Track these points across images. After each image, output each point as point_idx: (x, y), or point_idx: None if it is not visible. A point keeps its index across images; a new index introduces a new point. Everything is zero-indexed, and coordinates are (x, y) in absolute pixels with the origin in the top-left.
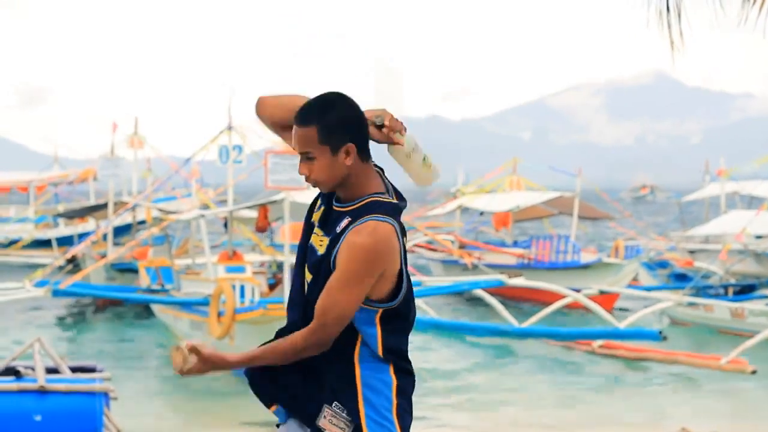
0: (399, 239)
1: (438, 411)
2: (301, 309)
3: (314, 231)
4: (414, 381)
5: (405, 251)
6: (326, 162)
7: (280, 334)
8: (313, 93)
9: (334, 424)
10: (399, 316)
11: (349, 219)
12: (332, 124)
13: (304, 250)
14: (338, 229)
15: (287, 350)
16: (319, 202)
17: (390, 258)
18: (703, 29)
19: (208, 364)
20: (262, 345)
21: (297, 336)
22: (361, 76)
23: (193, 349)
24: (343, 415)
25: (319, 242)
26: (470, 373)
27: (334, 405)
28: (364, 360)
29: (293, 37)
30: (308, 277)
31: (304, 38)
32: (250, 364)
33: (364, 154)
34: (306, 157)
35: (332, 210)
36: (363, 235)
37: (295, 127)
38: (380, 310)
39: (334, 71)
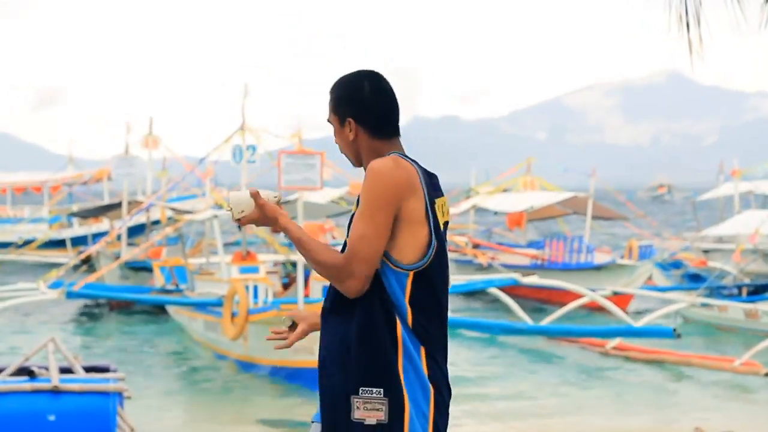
0: (421, 181)
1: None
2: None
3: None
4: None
5: (432, 205)
6: (338, 132)
7: None
8: (313, 93)
9: (369, 409)
10: (431, 287)
11: None
12: (339, 97)
13: None
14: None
15: (320, 253)
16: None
17: (407, 189)
18: (723, 33)
19: (263, 214)
20: (301, 231)
21: (335, 253)
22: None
23: (256, 195)
24: (374, 394)
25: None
26: (484, 375)
27: (361, 391)
28: (405, 342)
29: (293, 37)
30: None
31: (304, 38)
32: (292, 239)
33: (378, 132)
34: (330, 124)
35: None
36: (372, 163)
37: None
38: (411, 273)
39: (333, 72)
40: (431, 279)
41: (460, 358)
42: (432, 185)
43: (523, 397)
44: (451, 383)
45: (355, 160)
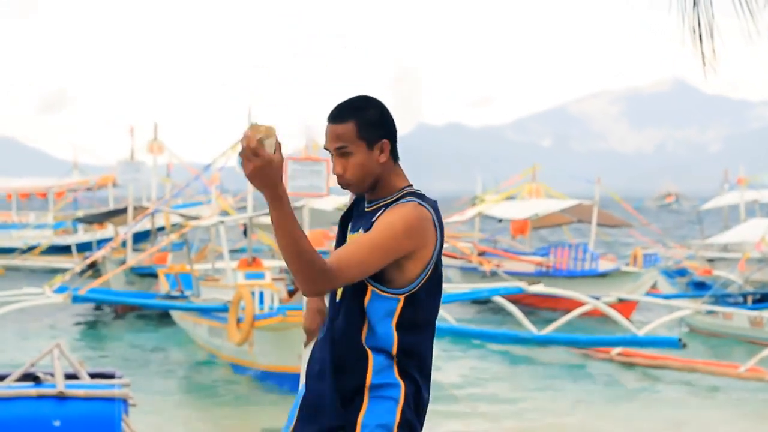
0: (437, 229)
1: (450, 419)
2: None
3: (347, 238)
4: (425, 398)
5: (441, 246)
6: (362, 157)
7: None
8: (312, 93)
9: None
10: (420, 309)
11: (385, 210)
12: (369, 119)
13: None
14: (374, 219)
15: (306, 243)
16: (352, 213)
17: (423, 239)
18: (735, 43)
19: (277, 163)
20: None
21: (317, 255)
22: (362, 77)
23: (279, 147)
24: None
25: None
26: (486, 381)
27: None
28: (377, 357)
29: (293, 37)
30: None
31: (304, 38)
32: (277, 213)
33: (395, 154)
34: (341, 153)
35: (365, 213)
36: (403, 207)
37: (330, 125)
38: (402, 297)
39: (333, 72)
40: (421, 300)
41: (455, 363)
42: (440, 218)
43: (513, 398)
44: (446, 387)
45: (370, 185)
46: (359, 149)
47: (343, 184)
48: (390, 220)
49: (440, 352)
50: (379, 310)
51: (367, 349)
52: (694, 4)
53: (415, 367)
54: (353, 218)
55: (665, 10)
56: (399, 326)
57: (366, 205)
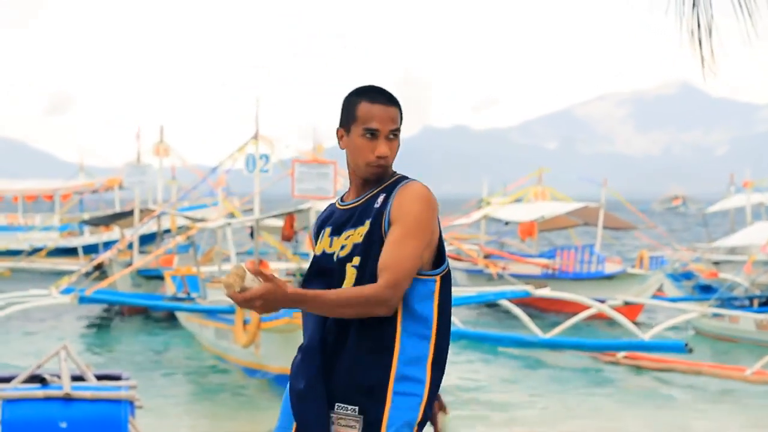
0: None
1: (457, 422)
2: (321, 326)
3: (324, 238)
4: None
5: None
6: (399, 142)
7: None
8: (313, 94)
9: (343, 426)
10: (449, 289)
11: (385, 194)
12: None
13: (319, 263)
14: (377, 205)
15: (347, 300)
16: (316, 234)
17: (436, 217)
18: (735, 44)
19: (268, 288)
20: (314, 291)
21: (363, 290)
22: (365, 78)
23: (258, 273)
24: (348, 412)
25: (345, 238)
26: (493, 385)
27: (337, 407)
28: (404, 350)
29: (293, 37)
30: (350, 270)
31: (304, 38)
32: (311, 307)
33: None
34: (392, 136)
35: (345, 210)
36: (417, 185)
37: (385, 107)
38: (438, 278)
39: (336, 72)
40: (449, 280)
41: (460, 366)
42: None
43: (520, 400)
44: (451, 390)
45: (388, 170)
46: (399, 134)
47: (382, 167)
48: (414, 207)
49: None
50: (419, 293)
51: (397, 336)
52: (694, 5)
53: (446, 349)
54: (331, 222)
55: (663, 12)
56: (440, 306)
57: (349, 202)
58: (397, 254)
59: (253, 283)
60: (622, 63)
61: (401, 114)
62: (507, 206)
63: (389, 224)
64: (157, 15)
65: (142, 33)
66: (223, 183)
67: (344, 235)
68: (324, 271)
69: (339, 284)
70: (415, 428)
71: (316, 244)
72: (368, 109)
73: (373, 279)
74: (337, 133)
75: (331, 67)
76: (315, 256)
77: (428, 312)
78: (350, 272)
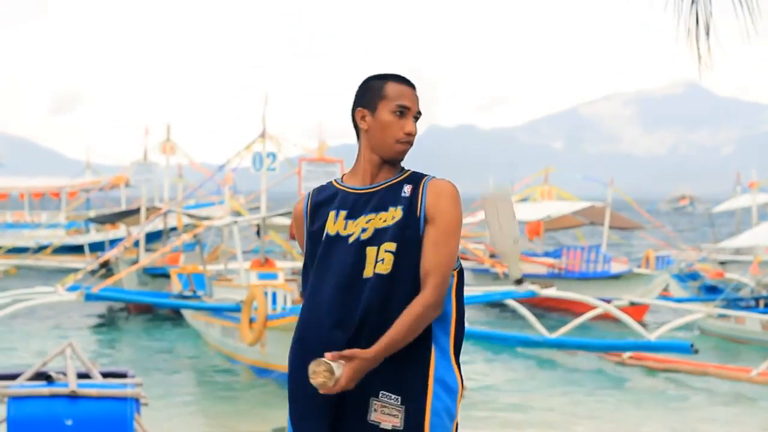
0: None
1: (465, 422)
2: (355, 306)
3: (339, 220)
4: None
5: None
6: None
7: (308, 348)
8: (313, 94)
9: (386, 414)
10: (463, 284)
11: (411, 185)
12: None
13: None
14: (405, 194)
15: (412, 322)
16: (312, 212)
17: None
18: (735, 43)
19: (355, 367)
20: (383, 337)
21: (416, 306)
22: (361, 77)
23: (342, 357)
24: (392, 401)
25: (366, 221)
26: (500, 385)
27: (381, 395)
28: (438, 344)
29: (293, 37)
30: (384, 255)
31: (304, 38)
32: (391, 350)
33: None
34: (416, 117)
35: (360, 195)
36: (450, 184)
37: (409, 88)
38: (455, 273)
39: (336, 72)
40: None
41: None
42: None
43: (526, 401)
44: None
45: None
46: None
47: (409, 145)
48: (450, 208)
49: None
50: None
51: (432, 331)
52: (693, 1)
53: (461, 342)
54: (340, 204)
55: (662, 9)
56: (457, 300)
57: (363, 186)
58: (440, 257)
59: (340, 369)
60: (628, 62)
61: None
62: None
63: (425, 220)
64: (163, 13)
65: (148, 31)
66: (230, 181)
67: (363, 218)
68: (334, 252)
69: (356, 265)
70: (456, 419)
71: (311, 224)
72: (399, 88)
73: (408, 262)
74: (355, 114)
75: (333, 67)
76: (327, 236)
77: (448, 306)
78: (371, 254)
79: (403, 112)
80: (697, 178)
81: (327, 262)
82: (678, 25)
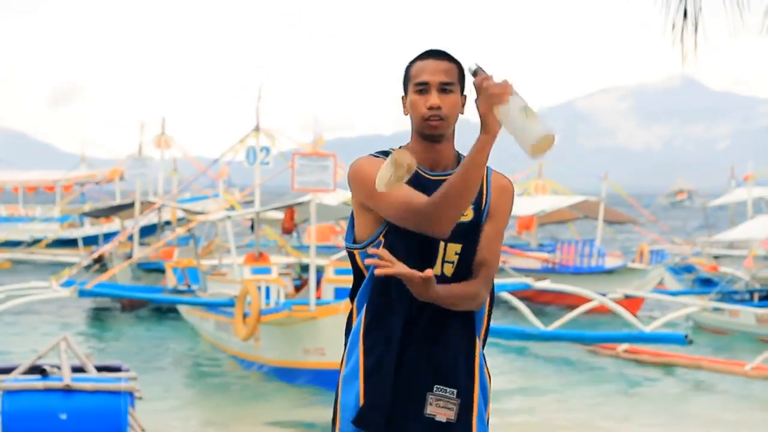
0: None
1: None
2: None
3: None
4: None
5: None
6: (457, 99)
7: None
8: (312, 94)
9: (442, 407)
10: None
11: None
12: (463, 70)
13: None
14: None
15: (463, 294)
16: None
17: None
18: (723, 37)
19: (427, 284)
20: (442, 286)
21: (471, 285)
22: (365, 75)
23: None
24: (447, 394)
25: None
26: (494, 377)
27: (436, 389)
28: (480, 339)
29: (293, 37)
30: (451, 255)
31: (304, 38)
32: (443, 300)
33: None
34: (443, 89)
35: (438, 183)
36: (510, 183)
37: (434, 61)
38: None
39: (332, 72)
40: None
41: None
42: None
43: (519, 393)
44: None
45: (450, 131)
46: (456, 91)
47: (436, 117)
48: (507, 208)
49: None
50: None
51: (475, 326)
52: None
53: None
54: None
55: (651, 3)
56: (490, 298)
57: (441, 173)
58: (493, 252)
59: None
60: (624, 57)
61: (461, 72)
62: None
63: (487, 215)
64: (160, 8)
65: (144, 26)
66: (225, 175)
67: None
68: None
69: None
70: (490, 405)
71: None
72: (419, 66)
73: (470, 260)
74: (402, 101)
75: (331, 65)
76: None
77: (484, 303)
78: (440, 250)
79: (423, 89)
80: (692, 172)
81: (410, 240)
82: (666, 19)
